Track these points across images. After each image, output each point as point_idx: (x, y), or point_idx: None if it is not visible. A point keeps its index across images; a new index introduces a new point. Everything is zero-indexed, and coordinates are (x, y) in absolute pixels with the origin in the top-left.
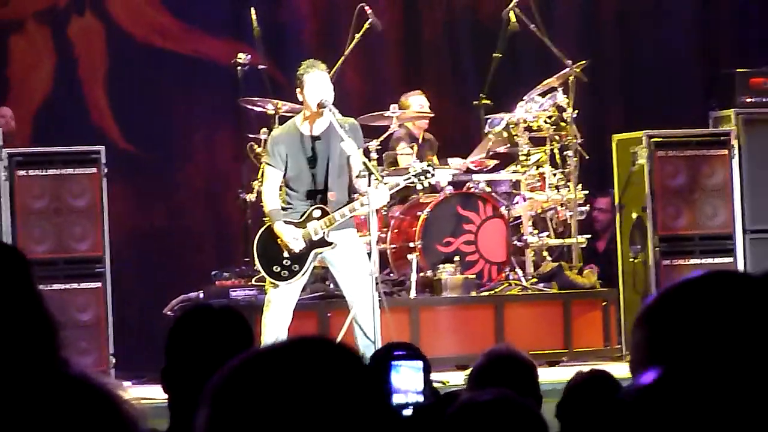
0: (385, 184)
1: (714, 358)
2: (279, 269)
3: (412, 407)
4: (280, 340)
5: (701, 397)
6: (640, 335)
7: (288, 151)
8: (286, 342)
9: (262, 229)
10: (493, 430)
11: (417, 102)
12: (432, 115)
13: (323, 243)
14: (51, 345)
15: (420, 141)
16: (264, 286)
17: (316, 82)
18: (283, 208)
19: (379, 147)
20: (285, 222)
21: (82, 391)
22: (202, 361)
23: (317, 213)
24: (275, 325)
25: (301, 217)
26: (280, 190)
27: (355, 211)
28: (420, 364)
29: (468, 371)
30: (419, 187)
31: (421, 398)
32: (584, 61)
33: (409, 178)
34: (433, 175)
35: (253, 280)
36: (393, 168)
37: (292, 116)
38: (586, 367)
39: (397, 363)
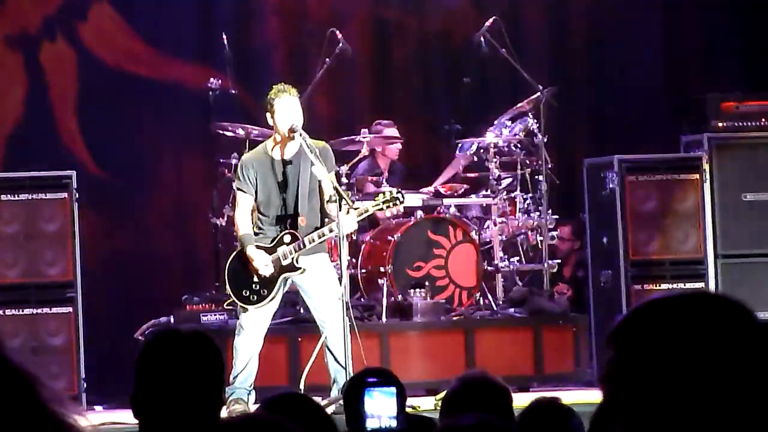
0: (355, 209)
1: (680, 378)
2: (248, 293)
3: None
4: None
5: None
6: (608, 353)
7: (258, 176)
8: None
9: (234, 254)
10: None
11: (388, 133)
12: (401, 139)
13: (292, 268)
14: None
15: (385, 172)
16: (235, 310)
17: (287, 106)
18: (255, 233)
19: (349, 172)
20: (256, 247)
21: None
22: (171, 386)
23: (287, 238)
24: (247, 349)
25: (271, 242)
26: (252, 214)
27: (324, 236)
28: (393, 389)
29: (439, 396)
30: (387, 213)
31: (394, 423)
32: (554, 86)
33: (378, 205)
34: (402, 202)
35: (225, 304)
36: (363, 193)
37: (262, 141)
38: (555, 392)
39: (371, 389)
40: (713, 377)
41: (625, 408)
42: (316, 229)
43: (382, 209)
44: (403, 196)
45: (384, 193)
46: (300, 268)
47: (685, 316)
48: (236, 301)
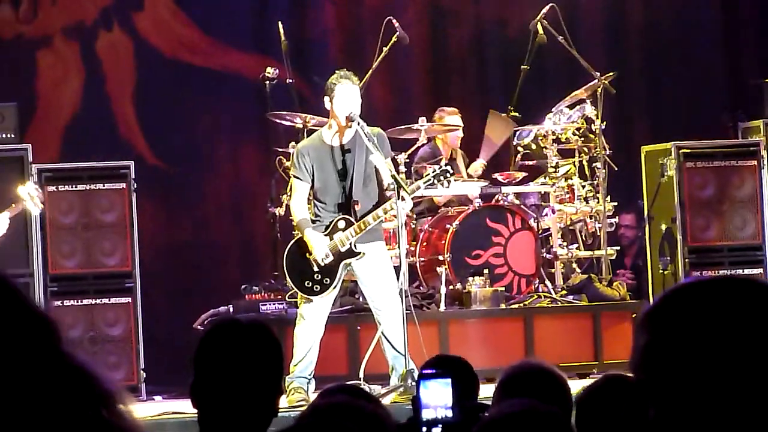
0: (408, 191)
1: (712, 363)
2: (310, 284)
3: (441, 425)
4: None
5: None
6: (639, 338)
7: (314, 163)
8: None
9: (290, 245)
10: None
11: (451, 120)
12: (460, 126)
13: (351, 253)
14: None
15: (448, 159)
16: (295, 300)
17: (347, 93)
18: (312, 221)
19: (407, 160)
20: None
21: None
22: (230, 375)
23: (342, 224)
24: (307, 339)
25: (326, 230)
26: (308, 202)
27: (379, 218)
28: (448, 380)
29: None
30: (440, 189)
31: (450, 414)
32: (612, 73)
33: (429, 180)
34: (452, 174)
35: (287, 296)
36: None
37: (320, 130)
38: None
39: (426, 379)
40: (748, 359)
41: (660, 393)
42: (370, 211)
43: (433, 184)
44: (452, 171)
45: (433, 168)
46: (359, 253)
47: (718, 299)
48: (299, 292)
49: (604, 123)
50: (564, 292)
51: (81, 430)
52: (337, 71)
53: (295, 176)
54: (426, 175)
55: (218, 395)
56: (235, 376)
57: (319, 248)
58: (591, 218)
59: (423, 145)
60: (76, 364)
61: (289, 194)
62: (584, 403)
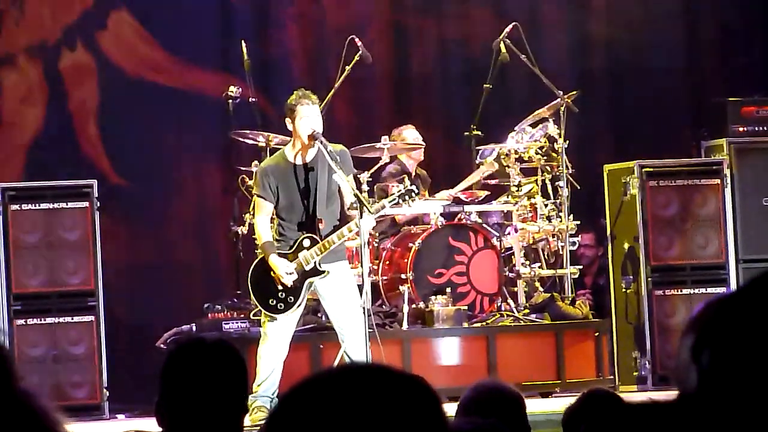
0: (373, 210)
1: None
2: (275, 302)
3: None
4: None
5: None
6: (686, 340)
7: (279, 182)
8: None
9: (254, 263)
10: None
11: (410, 135)
12: (423, 145)
13: (316, 272)
14: (5, 375)
15: (413, 175)
16: (258, 318)
17: (307, 113)
18: (276, 240)
19: (370, 179)
20: (278, 254)
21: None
22: (196, 393)
23: (307, 242)
24: (271, 358)
25: (290, 248)
26: (272, 221)
27: (344, 237)
28: None
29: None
30: (405, 208)
31: None
32: (575, 92)
33: (394, 199)
34: (417, 193)
35: (251, 314)
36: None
37: (283, 149)
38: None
39: None
40: None
41: (715, 397)
42: (334, 231)
43: (398, 203)
44: (417, 190)
45: (398, 187)
46: (324, 271)
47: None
48: (263, 310)
49: (567, 142)
50: (527, 310)
51: None
52: (295, 91)
53: (258, 195)
54: (391, 195)
55: (184, 413)
56: (200, 395)
57: (285, 273)
58: (553, 237)
59: (387, 163)
60: (25, 399)
61: (252, 213)
62: (569, 423)
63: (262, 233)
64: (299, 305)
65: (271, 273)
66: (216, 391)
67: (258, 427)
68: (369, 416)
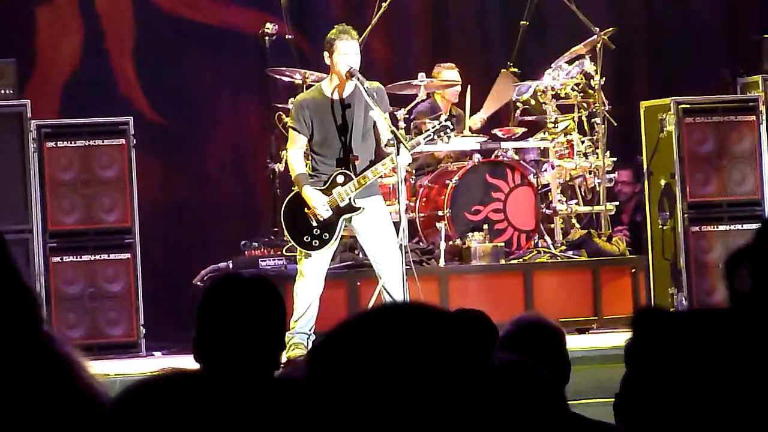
0: (409, 146)
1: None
2: (309, 239)
3: None
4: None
5: None
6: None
7: (314, 116)
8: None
9: (287, 200)
10: (504, 395)
11: (449, 76)
12: (459, 83)
13: (351, 208)
14: (32, 319)
15: (448, 115)
16: (294, 255)
17: (347, 49)
18: (309, 175)
19: (407, 116)
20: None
21: (45, 362)
22: (233, 329)
23: (340, 178)
24: (307, 294)
25: (325, 184)
26: (306, 156)
27: (378, 173)
28: None
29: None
30: (441, 144)
31: None
32: (611, 29)
33: (429, 135)
34: (453, 129)
35: (283, 250)
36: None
37: (319, 84)
38: (614, 334)
39: None
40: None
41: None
42: (369, 166)
43: (433, 139)
44: (452, 126)
45: (433, 123)
46: (359, 208)
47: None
48: (298, 247)
49: (603, 79)
50: (563, 247)
51: (54, 400)
52: (336, 26)
53: (293, 128)
54: (426, 131)
55: (221, 349)
56: (238, 330)
57: (319, 205)
58: (590, 174)
59: (423, 100)
60: (49, 344)
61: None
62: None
63: (295, 165)
64: (334, 242)
65: (305, 209)
66: (253, 327)
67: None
68: (411, 354)
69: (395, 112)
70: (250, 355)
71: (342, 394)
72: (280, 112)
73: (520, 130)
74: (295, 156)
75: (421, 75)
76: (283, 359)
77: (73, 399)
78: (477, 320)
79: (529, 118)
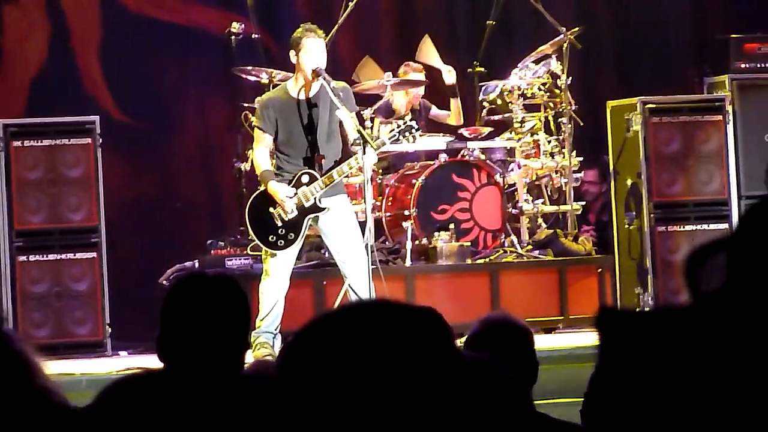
0: (375, 146)
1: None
2: (275, 238)
3: None
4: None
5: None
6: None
7: (279, 115)
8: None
9: (252, 199)
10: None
11: (416, 77)
12: (425, 84)
13: (316, 208)
14: None
15: (403, 114)
16: (259, 254)
17: (313, 47)
18: (274, 174)
19: (373, 115)
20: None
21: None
22: (197, 328)
23: (305, 178)
24: (272, 293)
25: (289, 183)
26: (272, 156)
27: (344, 173)
28: None
29: (464, 338)
30: (406, 144)
31: None
32: (578, 28)
33: (394, 135)
34: (418, 129)
35: (249, 248)
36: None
37: (285, 83)
38: (580, 334)
39: None
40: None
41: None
42: (334, 166)
43: (398, 139)
44: (417, 126)
45: (398, 123)
46: (324, 208)
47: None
48: (263, 246)
49: (570, 78)
50: (530, 247)
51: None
52: (302, 25)
53: (258, 127)
54: (391, 130)
55: (184, 348)
56: (201, 329)
57: (286, 199)
58: (557, 173)
59: (384, 99)
60: (5, 341)
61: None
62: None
63: (260, 163)
64: (299, 241)
65: (270, 208)
66: (217, 326)
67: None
68: (381, 350)
69: (361, 112)
70: (214, 354)
71: (313, 392)
72: (247, 112)
73: (486, 130)
74: (260, 154)
75: (387, 74)
76: (249, 359)
77: (28, 398)
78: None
79: (496, 117)
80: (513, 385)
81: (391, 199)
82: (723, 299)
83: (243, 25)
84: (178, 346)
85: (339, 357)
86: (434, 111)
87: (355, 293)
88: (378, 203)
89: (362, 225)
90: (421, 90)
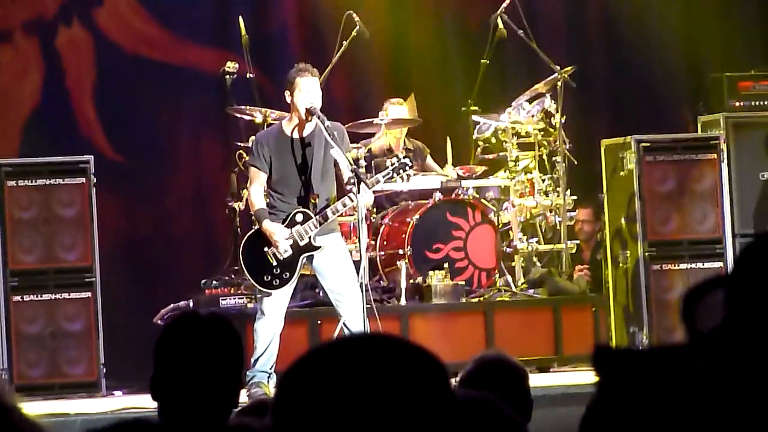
0: (369, 185)
1: None
2: (269, 278)
3: None
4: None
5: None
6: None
7: (273, 153)
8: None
9: (246, 238)
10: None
11: (395, 111)
12: (415, 121)
13: (311, 247)
14: None
15: (395, 151)
16: (254, 293)
17: (308, 86)
18: (268, 213)
19: (367, 155)
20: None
21: None
22: (190, 368)
23: (299, 217)
24: (267, 332)
25: (283, 222)
26: (265, 195)
27: (338, 212)
28: None
29: (458, 377)
30: (400, 182)
31: None
32: (571, 67)
33: (388, 174)
34: (411, 167)
35: (243, 288)
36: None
37: (280, 122)
38: (575, 373)
39: None
40: None
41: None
42: (329, 205)
43: (392, 177)
44: (411, 163)
45: (392, 161)
46: (319, 247)
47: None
48: (258, 287)
49: (564, 117)
50: (524, 285)
51: None
52: (297, 64)
53: (252, 165)
54: (385, 168)
55: (178, 388)
56: (194, 369)
57: (281, 239)
58: (551, 212)
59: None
60: None
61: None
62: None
63: (255, 201)
64: (294, 280)
65: (265, 248)
66: (210, 366)
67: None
68: (375, 385)
69: (356, 151)
70: (207, 393)
71: (309, 427)
72: (241, 151)
73: (480, 169)
74: (255, 192)
75: (382, 113)
76: (243, 397)
77: None
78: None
79: (490, 156)
80: (511, 424)
81: (385, 237)
82: (720, 338)
83: (237, 65)
84: (172, 385)
85: (332, 394)
86: (430, 161)
87: (350, 331)
88: (372, 242)
89: (357, 264)
90: (402, 129)
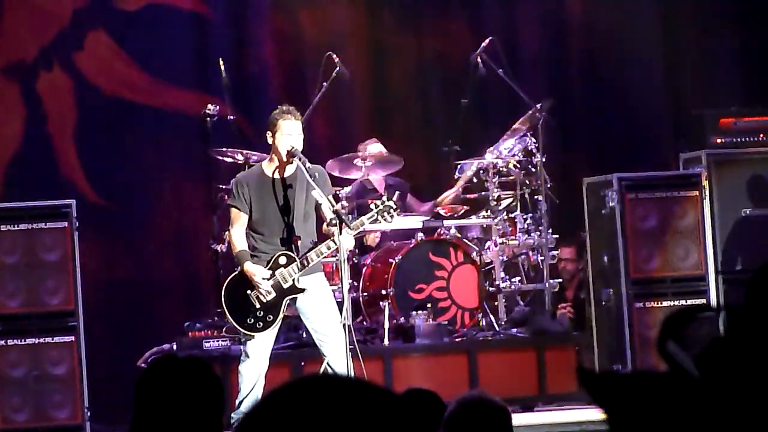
0: (352, 227)
1: None
2: (252, 320)
3: None
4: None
5: None
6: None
7: (252, 194)
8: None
9: (227, 282)
10: None
11: (374, 150)
12: (399, 162)
13: (295, 290)
14: None
15: (389, 188)
16: (237, 336)
17: (290, 129)
18: (250, 255)
19: (349, 195)
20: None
21: None
22: (168, 411)
23: (283, 260)
24: (251, 374)
25: (266, 265)
26: (247, 236)
27: (322, 254)
28: None
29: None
30: (384, 224)
31: None
32: (550, 100)
33: (373, 216)
34: (396, 209)
35: (224, 330)
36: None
37: (260, 163)
38: (560, 411)
39: None
40: None
41: None
42: (312, 248)
43: (377, 220)
44: (396, 206)
45: (376, 203)
46: (303, 289)
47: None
48: (240, 329)
49: (545, 155)
50: (507, 325)
51: None
52: (279, 106)
53: (232, 206)
54: (370, 212)
55: (157, 431)
56: (173, 412)
57: (261, 280)
58: (533, 251)
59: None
60: None
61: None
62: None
63: (237, 243)
64: (278, 322)
65: (248, 291)
66: (189, 408)
67: None
68: (330, 428)
69: (338, 193)
70: None
71: None
72: (223, 193)
73: (462, 208)
74: (236, 234)
75: (363, 154)
76: None
77: None
78: (426, 398)
79: (472, 195)
80: None
81: (368, 278)
82: (706, 366)
83: (218, 107)
84: (151, 428)
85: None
86: (410, 199)
87: (334, 371)
88: (355, 283)
89: (339, 305)
90: (383, 168)
